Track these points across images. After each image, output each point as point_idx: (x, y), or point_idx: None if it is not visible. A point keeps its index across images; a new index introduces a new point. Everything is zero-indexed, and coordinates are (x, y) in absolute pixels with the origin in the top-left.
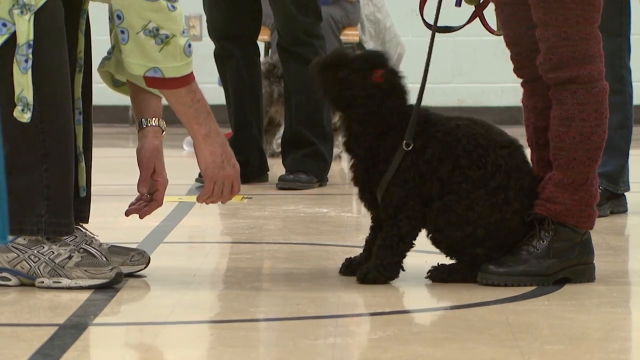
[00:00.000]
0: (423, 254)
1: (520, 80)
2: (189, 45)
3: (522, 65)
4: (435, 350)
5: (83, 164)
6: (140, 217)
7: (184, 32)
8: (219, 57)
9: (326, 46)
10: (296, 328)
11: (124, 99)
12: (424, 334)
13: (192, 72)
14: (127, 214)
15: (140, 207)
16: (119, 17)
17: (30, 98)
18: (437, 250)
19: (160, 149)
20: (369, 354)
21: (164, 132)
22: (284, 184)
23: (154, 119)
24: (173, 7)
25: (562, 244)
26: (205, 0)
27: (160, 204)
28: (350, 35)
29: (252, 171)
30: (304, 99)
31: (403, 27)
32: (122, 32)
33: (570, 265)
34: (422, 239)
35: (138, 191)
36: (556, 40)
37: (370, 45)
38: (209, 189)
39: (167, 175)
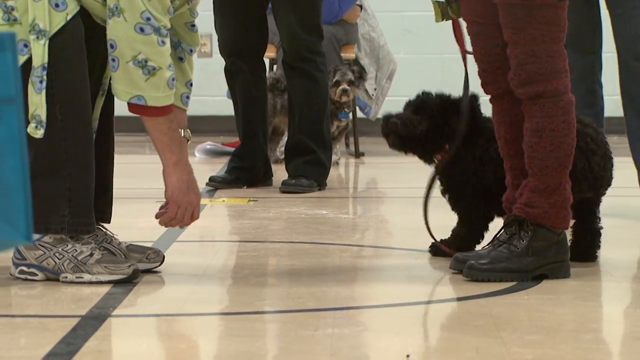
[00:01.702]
0: (413, 252)
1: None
2: (173, 79)
3: (487, 81)
4: (424, 340)
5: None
6: (180, 227)
7: (169, 66)
8: (229, 72)
9: (327, 62)
10: (298, 319)
11: None
12: (414, 326)
13: (171, 104)
14: (157, 216)
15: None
16: (111, 46)
17: (43, 116)
18: (426, 249)
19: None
20: (363, 343)
21: (189, 142)
22: (286, 188)
23: (180, 130)
24: (163, 42)
25: (539, 243)
26: (217, 20)
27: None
28: (348, 52)
29: (258, 176)
30: (306, 111)
31: (395, 46)
32: (113, 60)
33: (547, 263)
34: (412, 238)
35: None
36: (524, 58)
37: (365, 61)
38: (173, 212)
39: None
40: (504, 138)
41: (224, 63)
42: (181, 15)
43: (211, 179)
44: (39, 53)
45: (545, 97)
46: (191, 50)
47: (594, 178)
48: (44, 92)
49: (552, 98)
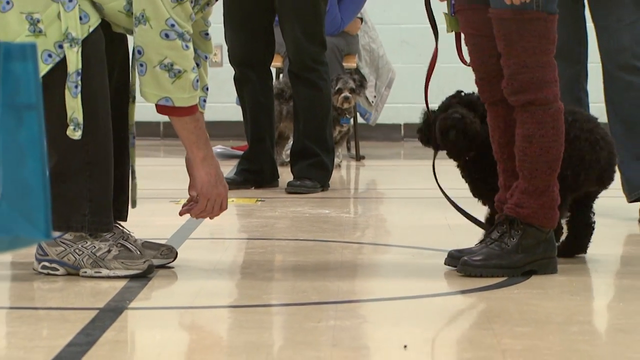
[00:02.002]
0: (410, 249)
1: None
2: (197, 81)
3: (484, 89)
4: (421, 331)
5: (136, 181)
6: (210, 218)
7: (193, 69)
8: (238, 81)
9: (330, 71)
10: (302, 312)
11: (157, 116)
12: (411, 317)
13: (196, 104)
14: (181, 214)
15: (191, 207)
16: (139, 52)
17: (80, 119)
18: (423, 246)
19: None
20: (363, 335)
21: None
22: (292, 189)
23: None
24: (187, 46)
25: (529, 241)
26: (227, 32)
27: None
28: (350, 62)
29: (265, 178)
30: (310, 117)
31: (394, 56)
32: (141, 65)
33: (536, 259)
34: (409, 236)
35: (189, 194)
36: (516, 68)
37: (365, 70)
38: (203, 205)
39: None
40: (498, 142)
41: (233, 72)
42: (196, 24)
43: None
44: (73, 60)
45: (535, 105)
46: (206, 57)
47: (600, 171)
48: (79, 96)
49: (542, 106)
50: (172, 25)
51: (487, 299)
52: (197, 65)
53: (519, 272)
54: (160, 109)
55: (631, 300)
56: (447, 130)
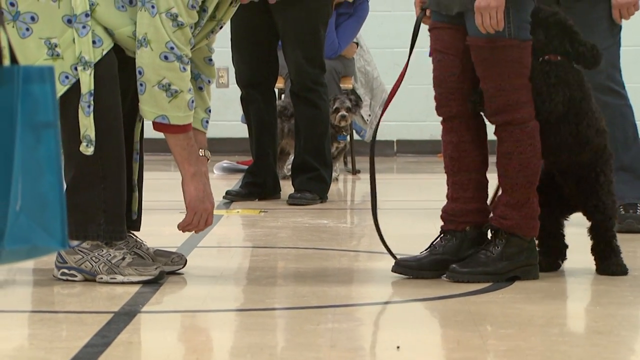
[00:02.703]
0: (402, 256)
1: (440, 118)
2: (192, 102)
3: (441, 104)
4: (412, 334)
5: (137, 193)
6: (195, 232)
7: (189, 90)
8: (244, 100)
9: (328, 91)
10: (302, 315)
11: None
12: (404, 320)
13: (190, 123)
14: (179, 226)
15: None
16: (139, 73)
17: (92, 136)
18: (414, 254)
19: (206, 174)
20: (359, 337)
21: (209, 160)
22: (292, 201)
23: (200, 149)
24: (184, 69)
25: (512, 250)
26: (234, 55)
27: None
28: (346, 83)
29: (268, 191)
30: (310, 134)
31: (387, 77)
32: (141, 84)
33: (519, 266)
34: (401, 244)
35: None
36: (493, 92)
37: (361, 91)
38: (190, 218)
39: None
40: (450, 156)
41: (239, 92)
42: (200, 50)
43: (227, 193)
44: (86, 81)
45: (513, 125)
46: (209, 81)
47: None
48: (91, 115)
49: (519, 125)
50: (172, 48)
51: (473, 303)
52: (201, 89)
53: (503, 278)
54: (157, 126)
55: (607, 304)
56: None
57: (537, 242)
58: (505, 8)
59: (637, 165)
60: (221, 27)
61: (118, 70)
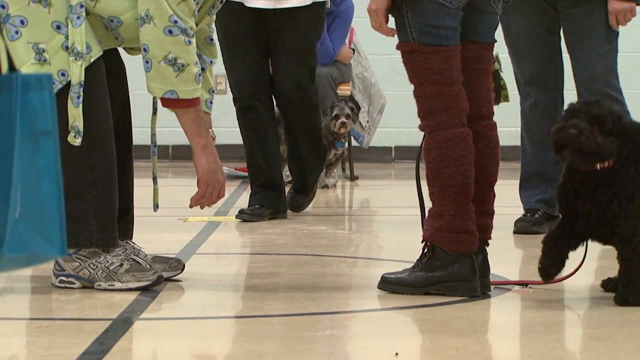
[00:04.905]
0: (401, 263)
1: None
2: (199, 75)
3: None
4: (411, 340)
5: (157, 186)
6: (207, 206)
7: (196, 63)
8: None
9: (324, 98)
10: (300, 322)
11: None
12: (402, 327)
13: (199, 97)
14: (191, 206)
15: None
16: (145, 50)
17: (80, 127)
18: (412, 260)
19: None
20: (358, 343)
21: (215, 140)
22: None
23: None
24: (189, 41)
25: (434, 263)
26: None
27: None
28: (344, 90)
29: (283, 206)
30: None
31: (385, 84)
32: (147, 62)
33: (441, 281)
34: (400, 250)
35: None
36: (416, 97)
37: (359, 97)
38: (203, 190)
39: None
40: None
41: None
42: (201, 31)
43: (241, 211)
44: (77, 72)
45: (425, 132)
46: (211, 62)
47: None
48: (80, 106)
49: (430, 134)
50: (175, 22)
51: (472, 310)
52: (203, 69)
53: (420, 291)
54: (166, 102)
55: (605, 311)
56: (562, 147)
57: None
58: (402, 12)
59: None
60: (222, 3)
61: (108, 78)
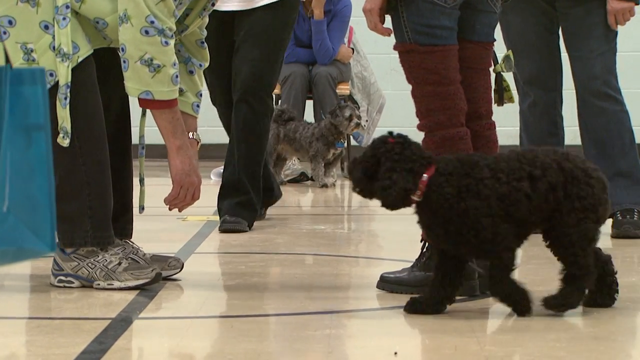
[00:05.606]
0: (400, 262)
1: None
2: (176, 76)
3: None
4: (410, 339)
5: (144, 187)
6: (179, 210)
7: (174, 64)
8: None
9: (323, 98)
10: (299, 321)
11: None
12: (401, 326)
13: (176, 98)
14: (165, 202)
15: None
16: (122, 50)
17: (69, 127)
18: (411, 259)
19: (195, 154)
20: (357, 342)
21: (199, 144)
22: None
23: (190, 132)
24: (166, 42)
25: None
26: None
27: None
28: (343, 89)
29: (276, 195)
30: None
31: (384, 83)
32: (124, 61)
33: None
34: (399, 250)
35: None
36: (413, 97)
37: (358, 96)
38: (176, 192)
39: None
40: None
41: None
42: (192, 33)
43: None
44: (64, 73)
45: (423, 132)
46: (200, 65)
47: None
48: (68, 107)
49: (428, 133)
50: (152, 22)
51: (471, 309)
52: (191, 72)
53: (419, 290)
54: (142, 102)
55: (604, 310)
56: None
57: None
58: (397, 12)
59: (634, 171)
60: (213, 5)
61: (107, 78)
